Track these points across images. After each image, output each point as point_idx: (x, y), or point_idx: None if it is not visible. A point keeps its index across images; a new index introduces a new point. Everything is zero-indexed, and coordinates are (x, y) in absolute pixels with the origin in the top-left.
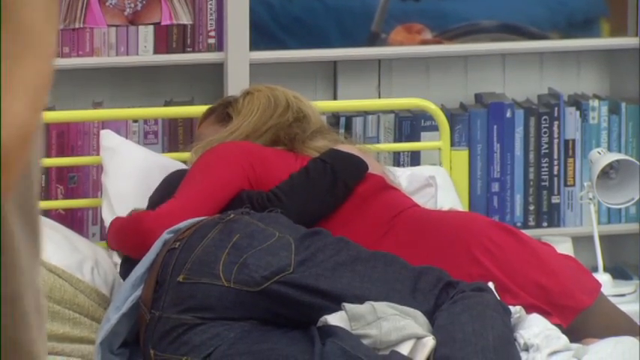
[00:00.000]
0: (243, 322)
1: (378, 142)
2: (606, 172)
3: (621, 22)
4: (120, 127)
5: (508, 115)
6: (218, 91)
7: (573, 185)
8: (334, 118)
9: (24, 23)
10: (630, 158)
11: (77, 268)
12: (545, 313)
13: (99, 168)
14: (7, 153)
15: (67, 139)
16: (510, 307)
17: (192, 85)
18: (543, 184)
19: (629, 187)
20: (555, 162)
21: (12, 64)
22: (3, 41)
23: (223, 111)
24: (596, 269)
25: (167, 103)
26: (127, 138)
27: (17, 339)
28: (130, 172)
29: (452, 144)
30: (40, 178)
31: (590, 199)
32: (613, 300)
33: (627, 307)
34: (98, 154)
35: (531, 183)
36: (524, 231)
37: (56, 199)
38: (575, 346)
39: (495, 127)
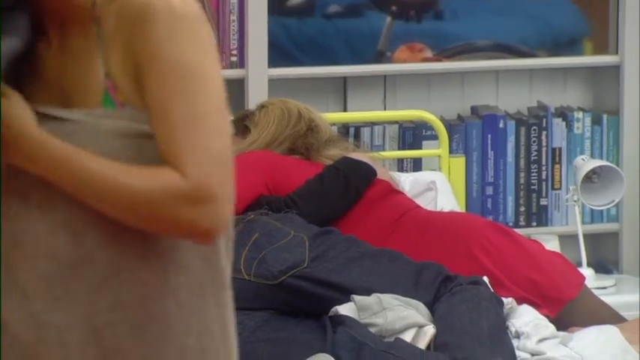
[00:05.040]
0: (262, 312)
1: (383, 150)
2: (589, 177)
3: (603, 42)
4: None
5: (501, 125)
6: (239, 105)
7: (560, 189)
8: (344, 129)
9: (182, 61)
10: (611, 164)
11: None
12: (534, 305)
13: None
14: (213, 186)
15: None
16: (503, 299)
17: None
18: (533, 187)
19: (610, 191)
20: (543, 168)
21: (189, 106)
22: (163, 84)
23: (241, 124)
24: (580, 264)
25: None
26: None
27: None
28: None
29: (450, 151)
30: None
31: (575, 201)
32: (595, 292)
33: (608, 298)
34: None
35: (522, 187)
36: (515, 230)
37: None
38: (561, 334)
39: (489, 136)
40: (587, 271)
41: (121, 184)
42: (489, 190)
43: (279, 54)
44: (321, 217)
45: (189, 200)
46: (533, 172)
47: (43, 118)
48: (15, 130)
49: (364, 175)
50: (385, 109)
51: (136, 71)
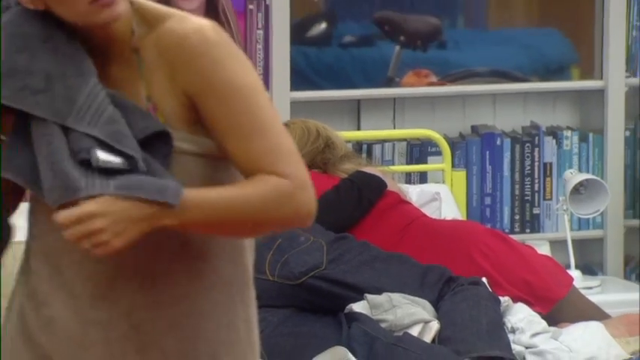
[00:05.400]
0: (284, 309)
1: (393, 164)
2: (577, 189)
3: (588, 69)
4: None
5: (498, 142)
6: None
7: (551, 199)
8: (358, 146)
9: (236, 83)
10: (596, 178)
11: None
12: (528, 303)
13: None
14: (304, 176)
15: None
16: (500, 298)
17: None
18: (526, 198)
19: (595, 201)
20: (536, 180)
21: (259, 119)
22: (229, 107)
23: None
24: (569, 267)
25: None
26: None
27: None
28: None
29: (453, 166)
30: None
31: (564, 210)
32: (582, 292)
33: (594, 297)
34: None
35: (517, 197)
36: (511, 236)
37: None
38: (552, 329)
39: (487, 152)
40: (575, 273)
41: (250, 203)
42: (488, 201)
43: (300, 79)
44: (337, 224)
45: (296, 193)
46: (526, 185)
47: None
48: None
49: (376, 187)
50: (394, 128)
51: (190, 101)
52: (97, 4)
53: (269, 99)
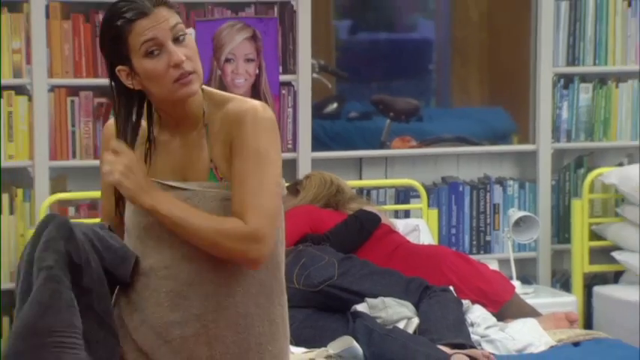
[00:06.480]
0: (307, 309)
1: (385, 204)
2: (517, 223)
3: (525, 136)
4: None
5: (460, 189)
6: (293, 175)
7: (499, 230)
8: (360, 191)
9: (259, 149)
10: (531, 214)
11: None
12: (483, 304)
13: None
14: (264, 232)
15: None
16: (462, 301)
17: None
18: (481, 229)
19: (530, 231)
20: (488, 216)
21: (258, 179)
22: (245, 163)
23: (293, 188)
24: (511, 278)
25: None
26: None
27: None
28: None
29: (428, 206)
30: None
31: (508, 237)
32: (522, 296)
33: (530, 300)
34: None
35: (474, 228)
36: (470, 256)
37: None
38: (500, 323)
39: (453, 196)
40: (516, 283)
41: (204, 226)
42: (453, 231)
43: (318, 143)
44: (345, 248)
45: (246, 239)
46: (481, 219)
47: (168, 188)
48: (151, 188)
49: (373, 221)
50: (386, 179)
51: (230, 155)
52: (178, 83)
53: (278, 172)
